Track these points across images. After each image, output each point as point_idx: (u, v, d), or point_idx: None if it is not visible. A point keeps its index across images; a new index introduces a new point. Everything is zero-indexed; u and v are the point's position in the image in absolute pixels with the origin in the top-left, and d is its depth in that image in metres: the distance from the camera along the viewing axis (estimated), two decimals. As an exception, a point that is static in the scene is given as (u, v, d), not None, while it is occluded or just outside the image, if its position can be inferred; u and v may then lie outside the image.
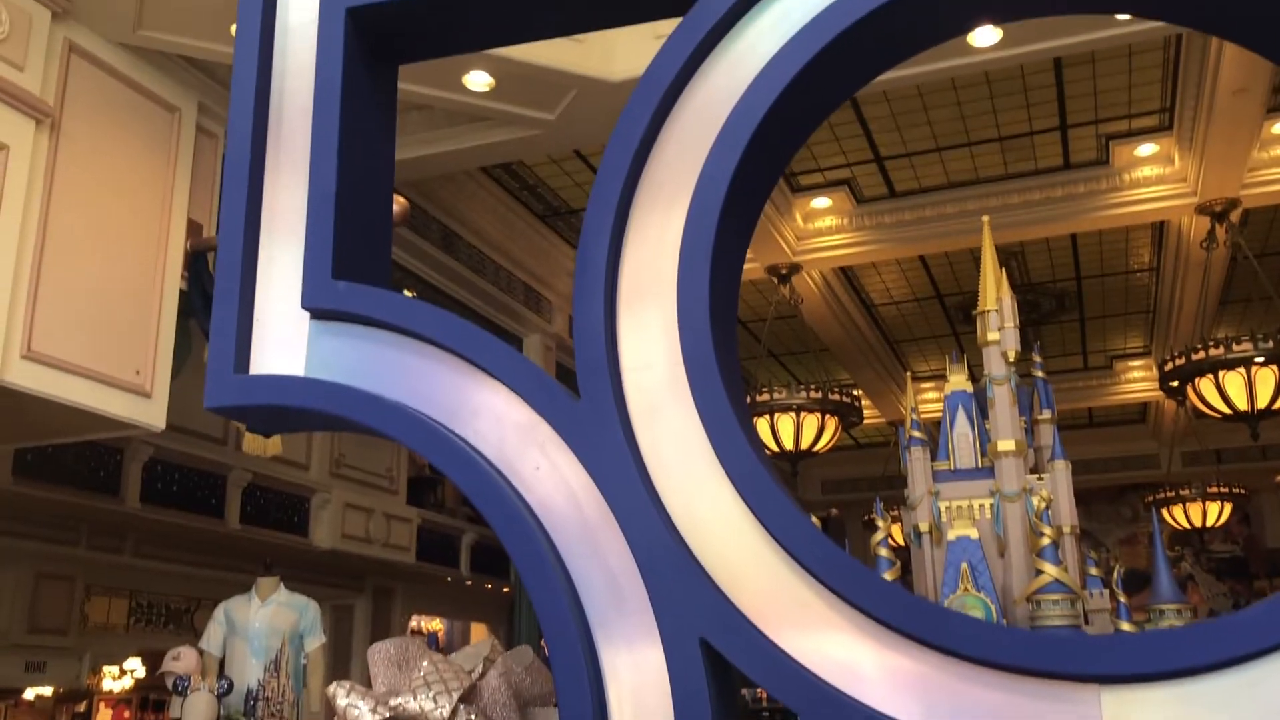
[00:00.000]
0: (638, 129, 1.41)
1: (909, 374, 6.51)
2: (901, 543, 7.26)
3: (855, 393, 11.24)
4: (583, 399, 1.34)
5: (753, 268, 10.60)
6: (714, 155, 1.38)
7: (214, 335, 1.42)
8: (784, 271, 10.62)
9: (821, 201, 10.10)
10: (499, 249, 9.90)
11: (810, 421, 10.17)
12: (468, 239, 9.48)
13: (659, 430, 1.33)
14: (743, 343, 13.46)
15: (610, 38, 6.59)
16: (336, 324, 1.44)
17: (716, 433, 1.29)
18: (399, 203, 6.08)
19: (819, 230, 10.44)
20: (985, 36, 6.42)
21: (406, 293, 9.26)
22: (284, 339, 1.44)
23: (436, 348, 1.39)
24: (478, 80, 6.60)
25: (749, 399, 10.20)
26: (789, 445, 10.23)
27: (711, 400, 1.31)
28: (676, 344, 1.34)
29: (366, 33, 1.57)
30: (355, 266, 1.49)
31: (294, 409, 1.41)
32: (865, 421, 13.76)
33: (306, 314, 1.45)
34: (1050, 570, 4.93)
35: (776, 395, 10.11)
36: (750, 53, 1.42)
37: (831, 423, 10.28)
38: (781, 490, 1.27)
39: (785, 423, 10.15)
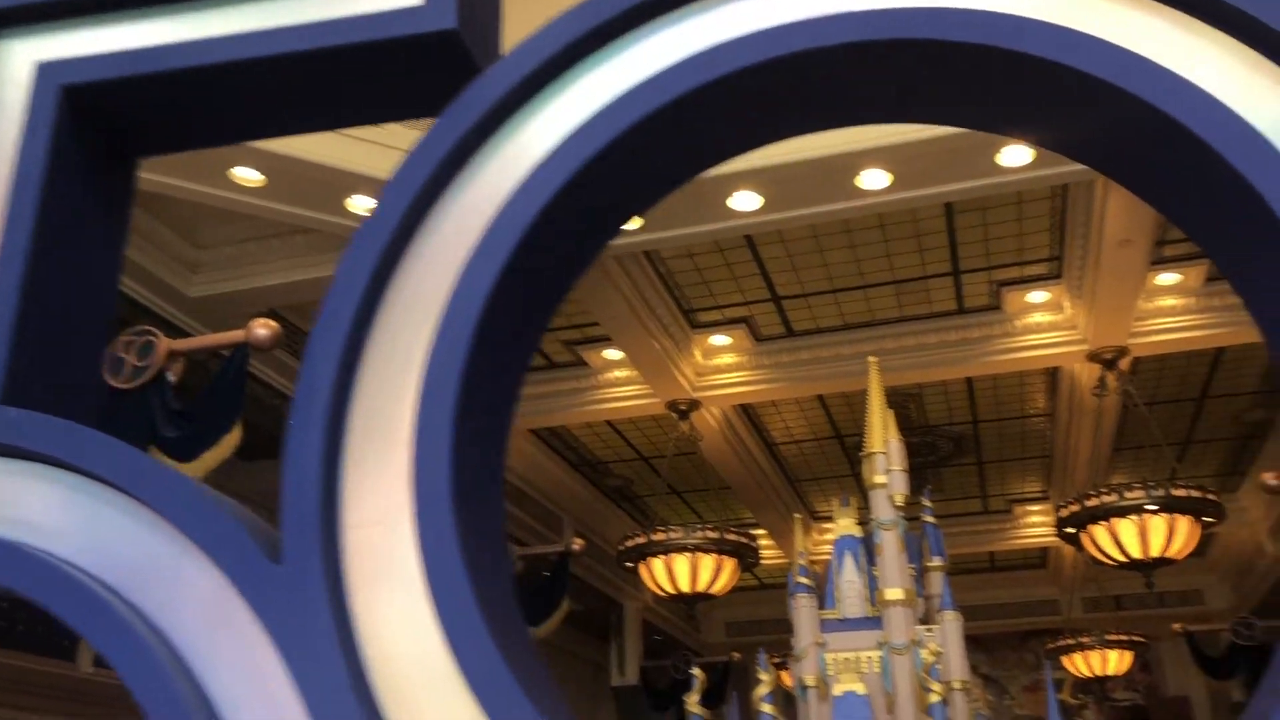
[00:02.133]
0: (377, 244, 1.18)
1: (797, 516, 6.31)
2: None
3: (755, 532, 11.01)
4: (285, 563, 1.08)
5: (653, 403, 10.45)
6: (468, 275, 1.15)
7: None
8: (683, 407, 10.47)
9: (720, 339, 10.04)
10: (389, 378, 9.60)
11: (707, 562, 9.88)
12: (355, 366, 9.18)
13: (381, 606, 1.06)
14: (644, 479, 13.22)
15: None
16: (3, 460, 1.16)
17: (450, 614, 1.03)
18: (269, 326, 5.79)
19: (718, 367, 10.35)
20: (875, 179, 6.47)
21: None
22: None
23: (120, 493, 1.12)
24: (244, 175, 6.39)
25: (644, 538, 9.91)
26: (685, 587, 9.91)
27: (448, 578, 1.05)
28: (409, 502, 1.09)
29: (90, 115, 1.33)
30: (45, 391, 1.22)
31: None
32: (767, 562, 13.53)
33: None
34: (939, 730, 4.68)
35: (672, 535, 9.82)
36: (521, 154, 1.21)
37: (729, 564, 10.00)
38: (535, 700, 1.00)
39: (681, 563, 9.84)
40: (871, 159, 6.24)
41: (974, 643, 18.73)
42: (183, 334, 7.21)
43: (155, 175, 6.41)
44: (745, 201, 6.68)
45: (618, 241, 7.18)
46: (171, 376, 5.74)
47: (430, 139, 1.20)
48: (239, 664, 1.05)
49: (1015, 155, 6.27)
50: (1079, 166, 6.45)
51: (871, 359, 5.79)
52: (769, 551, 13.91)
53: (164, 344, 5.76)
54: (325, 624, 1.03)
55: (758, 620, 17.94)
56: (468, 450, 1.13)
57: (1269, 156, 0.99)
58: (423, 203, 1.20)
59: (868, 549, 5.40)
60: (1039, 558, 16.90)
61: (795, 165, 6.31)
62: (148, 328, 5.79)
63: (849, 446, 12.57)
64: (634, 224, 6.89)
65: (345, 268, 1.18)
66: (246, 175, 6.36)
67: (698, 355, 10.22)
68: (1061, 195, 7.84)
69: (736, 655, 18.09)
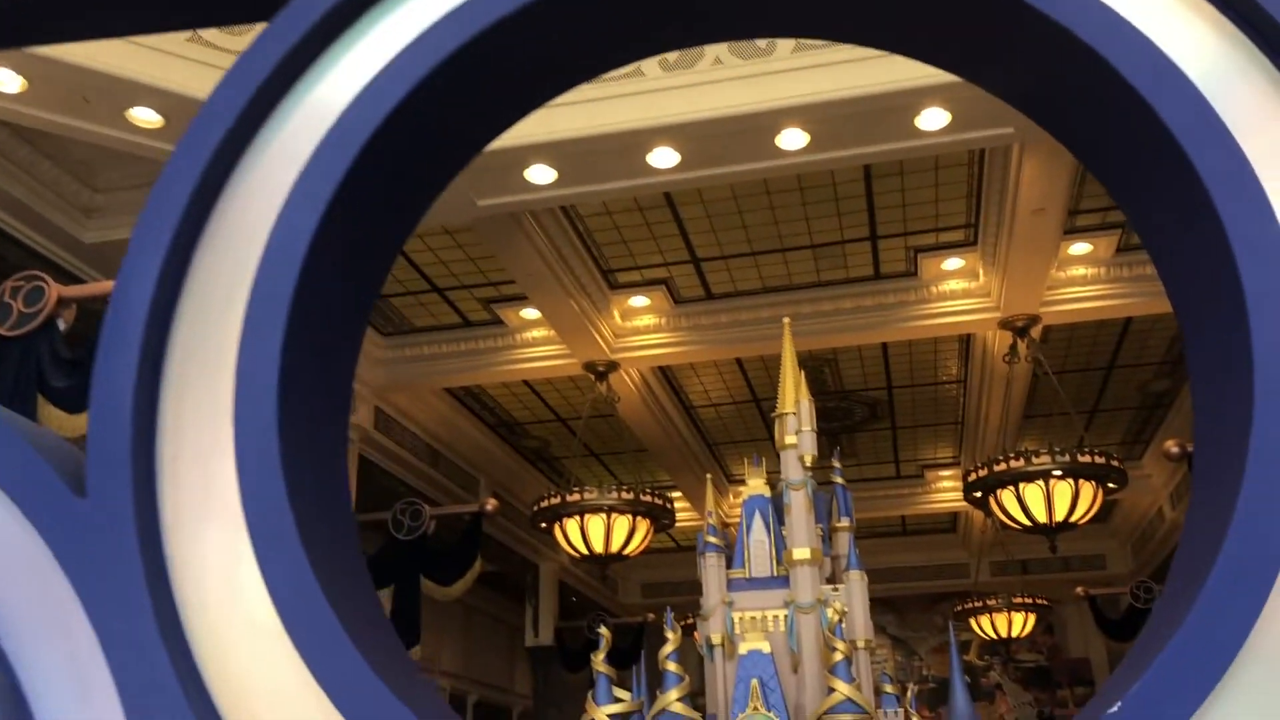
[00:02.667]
0: (211, 140, 1.06)
1: (709, 476, 6.29)
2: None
3: (672, 495, 11.02)
4: (90, 496, 0.97)
5: (571, 363, 10.37)
6: (298, 197, 1.05)
7: None
8: (601, 369, 10.40)
9: (639, 300, 9.96)
10: (299, 333, 9.35)
11: (621, 523, 9.86)
12: (263, 320, 8.92)
13: (199, 547, 0.96)
14: (561, 440, 13.15)
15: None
16: None
17: (272, 559, 0.94)
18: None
19: (637, 329, 10.29)
20: (793, 139, 6.42)
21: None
22: None
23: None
24: (142, 116, 6.15)
25: (559, 499, 9.85)
26: (599, 548, 9.89)
27: (270, 520, 0.95)
28: (230, 435, 0.98)
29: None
30: None
31: None
32: (684, 524, 13.58)
33: None
34: (842, 688, 4.70)
35: (587, 496, 9.78)
36: (357, 69, 1.10)
37: (643, 525, 10.00)
38: (367, 654, 0.91)
39: (595, 524, 9.81)
40: (790, 118, 6.19)
41: (885, 605, 19.13)
42: (77, 281, 6.92)
43: (50, 114, 6.12)
44: (664, 158, 6.59)
45: (533, 196, 7.06)
46: (62, 324, 5.51)
47: (253, 54, 1.08)
48: (35, 610, 0.95)
49: (933, 119, 6.27)
50: (996, 131, 6.49)
51: (785, 319, 5.75)
52: (686, 514, 13.96)
53: (54, 290, 5.52)
54: (132, 565, 0.93)
55: (673, 582, 18.04)
56: (299, 386, 1.02)
57: (1199, 110, 0.92)
58: (254, 116, 1.09)
59: (777, 509, 5.39)
60: (949, 522, 17.24)
61: (714, 122, 6.24)
62: (36, 273, 5.55)
63: (766, 411, 12.63)
64: (549, 177, 6.77)
65: (167, 178, 1.07)
66: (145, 116, 6.10)
67: (616, 316, 10.14)
68: (978, 162, 7.89)
69: (651, 616, 18.21)
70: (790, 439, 5.36)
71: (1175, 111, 0.93)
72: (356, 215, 1.08)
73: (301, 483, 0.99)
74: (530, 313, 9.94)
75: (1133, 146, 0.99)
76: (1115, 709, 0.76)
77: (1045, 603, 15.20)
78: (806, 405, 5.41)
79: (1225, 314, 0.90)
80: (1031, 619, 15.14)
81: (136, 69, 5.74)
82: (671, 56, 6.25)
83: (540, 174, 6.69)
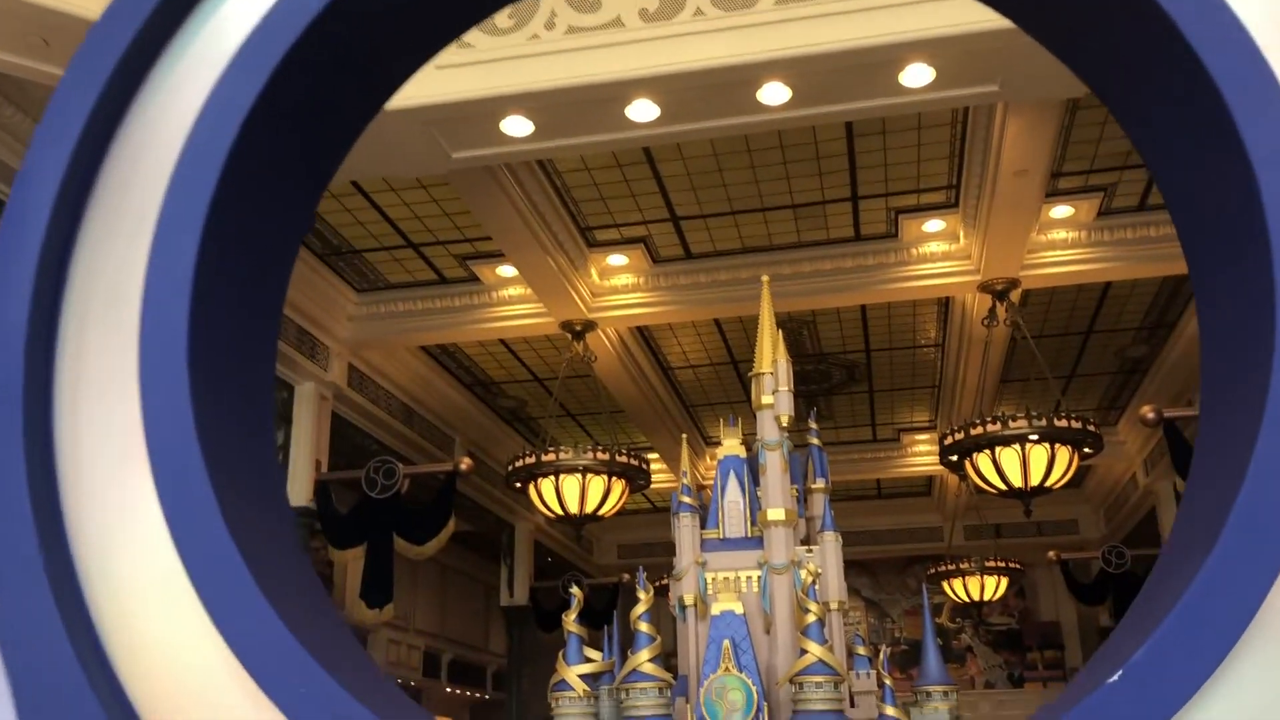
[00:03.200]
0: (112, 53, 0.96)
1: (684, 436, 6.21)
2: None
3: (649, 456, 10.96)
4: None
5: (547, 322, 10.25)
6: (210, 113, 0.95)
7: None
8: (578, 328, 10.29)
9: (618, 259, 9.85)
10: (270, 287, 9.18)
11: (596, 484, 9.80)
12: (233, 274, 8.73)
13: (98, 480, 0.86)
14: (538, 400, 13.06)
15: (386, 64, 6.14)
16: None
17: (176, 498, 0.84)
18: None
19: (615, 288, 10.18)
20: (775, 94, 6.29)
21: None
22: None
23: None
24: None
25: (533, 459, 9.77)
26: (574, 508, 9.83)
27: (174, 454, 0.85)
28: (135, 364, 0.88)
29: None
30: None
31: None
32: (660, 485, 13.54)
33: None
34: (814, 650, 4.65)
35: (562, 455, 9.70)
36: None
37: (618, 485, 9.94)
38: (274, 600, 0.82)
39: (570, 485, 9.75)
40: (772, 72, 6.06)
41: (859, 567, 19.23)
42: None
43: (7, 55, 5.91)
44: (643, 111, 6.45)
45: (510, 149, 6.91)
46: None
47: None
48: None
49: (917, 75, 6.15)
50: (980, 89, 6.38)
51: (764, 278, 5.66)
52: (662, 475, 13.92)
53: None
54: (19, 499, 0.83)
55: (649, 543, 18.06)
56: (214, 316, 0.92)
57: (1217, 15, 0.82)
58: (161, 28, 0.98)
59: (752, 470, 5.33)
60: (924, 486, 17.30)
61: (694, 75, 6.10)
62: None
63: (744, 373, 12.55)
64: (526, 129, 6.62)
65: (63, 94, 0.96)
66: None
67: (594, 275, 10.02)
68: (961, 121, 7.79)
69: (627, 577, 18.25)
70: (767, 399, 5.29)
71: (1191, 18, 0.83)
72: (276, 131, 0.98)
73: (214, 420, 0.89)
74: (507, 270, 9.81)
75: (1144, 58, 0.89)
76: (1116, 677, 0.68)
77: (1017, 566, 15.29)
78: (784, 365, 5.33)
79: (1243, 244, 0.81)
80: (1004, 582, 15.23)
81: (98, 8, 5.55)
82: (651, 6, 6.10)
83: (517, 126, 6.55)
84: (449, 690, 17.04)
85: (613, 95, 6.30)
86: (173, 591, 0.86)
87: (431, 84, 6.19)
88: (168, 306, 0.90)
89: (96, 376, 0.89)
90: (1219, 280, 0.89)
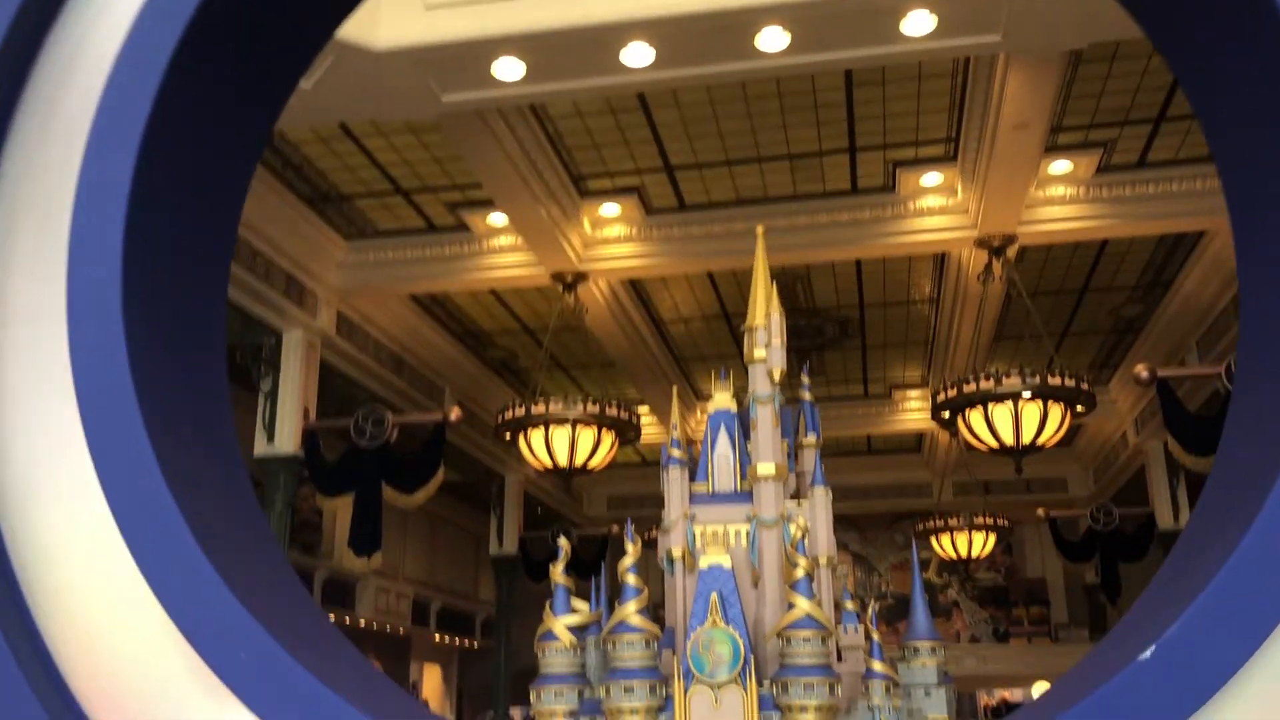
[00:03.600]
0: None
1: (674, 388, 6.14)
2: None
3: (639, 409, 10.89)
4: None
5: (538, 273, 10.13)
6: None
7: None
8: (569, 279, 10.18)
9: (610, 209, 9.71)
10: (257, 232, 9.04)
11: (586, 436, 9.75)
12: (219, 218, 8.56)
13: (23, 418, 0.78)
14: (529, 351, 12.97)
15: (374, 2, 5.99)
16: None
17: (102, 438, 0.75)
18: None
19: (607, 239, 10.05)
20: (774, 40, 6.15)
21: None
22: None
23: None
24: None
25: (523, 410, 9.70)
26: (563, 460, 9.78)
27: (103, 392, 0.77)
28: (63, 297, 0.80)
29: None
30: None
31: None
32: (651, 439, 13.50)
33: None
34: (802, 604, 4.61)
35: (552, 407, 9.63)
36: None
37: (608, 438, 9.88)
38: (220, 566, 0.73)
39: (560, 436, 9.69)
40: (771, 16, 5.91)
41: (848, 523, 19.29)
42: None
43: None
44: (638, 55, 6.30)
45: (501, 93, 6.76)
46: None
47: None
48: None
49: (919, 22, 6.01)
50: (982, 38, 6.24)
51: (759, 227, 5.55)
52: (653, 429, 13.88)
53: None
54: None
55: (640, 496, 18.07)
56: (153, 234, 0.83)
57: None
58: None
59: (743, 424, 5.25)
60: (914, 442, 17.29)
61: (691, 18, 5.95)
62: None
63: (737, 327, 12.48)
64: (518, 72, 6.47)
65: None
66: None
67: (586, 225, 9.89)
68: (962, 72, 7.64)
69: (616, 529, 18.30)
70: (759, 352, 5.19)
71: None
72: (221, 41, 0.88)
73: (153, 357, 0.80)
74: (498, 219, 9.68)
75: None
76: (1148, 654, 0.60)
77: (1005, 523, 15.34)
78: (777, 318, 5.22)
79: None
80: (991, 539, 15.29)
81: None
82: (648, -53, 5.93)
83: (508, 68, 6.40)
84: (438, 638, 17.11)
85: (607, 37, 6.15)
86: (102, 545, 0.78)
87: (421, 24, 6.03)
88: (101, 220, 0.81)
89: (22, 305, 0.81)
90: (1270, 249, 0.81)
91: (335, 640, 0.94)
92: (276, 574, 0.88)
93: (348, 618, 14.03)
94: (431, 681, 18.09)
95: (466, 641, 17.98)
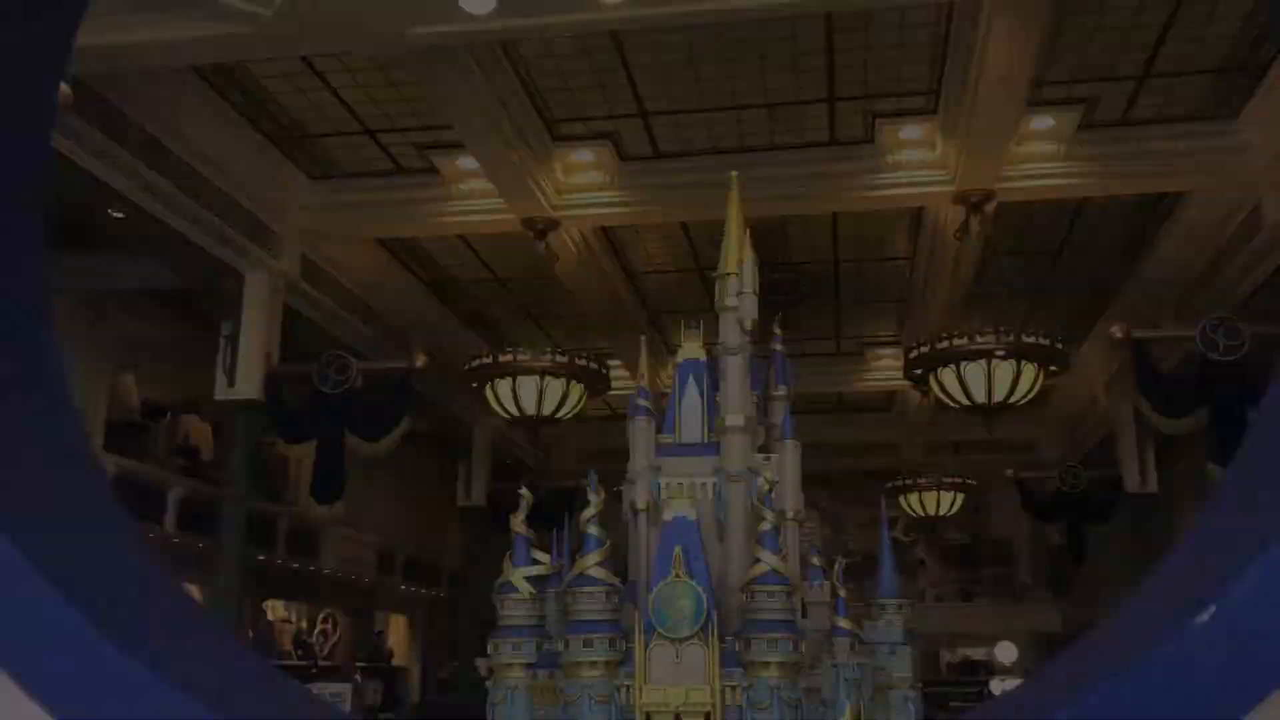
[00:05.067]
0: None
1: (643, 337, 5.98)
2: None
3: (610, 362, 10.73)
4: None
5: (508, 219, 9.90)
6: None
7: None
8: (541, 226, 9.95)
9: (584, 155, 9.49)
10: (218, 168, 8.76)
11: (554, 386, 9.62)
12: (177, 153, 8.29)
13: None
14: (500, 300, 12.77)
15: (338, -73, 5.73)
16: None
17: None
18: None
19: (580, 186, 9.83)
20: (753, -21, 5.93)
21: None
22: None
23: None
24: None
25: (492, 357, 9.53)
26: (530, 410, 9.64)
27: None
28: None
29: None
30: None
31: None
32: (622, 391, 13.34)
33: None
34: (768, 559, 4.49)
35: (520, 356, 9.48)
36: None
37: (576, 389, 9.76)
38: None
39: (528, 386, 9.55)
40: (750, -47, 5.70)
41: (817, 480, 19.23)
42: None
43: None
44: (612, -9, 6.08)
45: (470, 28, 6.52)
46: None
47: None
48: None
49: (903, -35, 5.81)
50: (968, -17, 6.04)
51: (734, 174, 5.37)
52: (624, 382, 13.72)
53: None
54: None
55: (610, 449, 17.88)
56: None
57: None
58: None
59: (712, 375, 5.10)
60: (885, 401, 17.24)
61: (668, -47, 5.73)
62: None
63: (710, 282, 12.28)
64: (487, 5, 6.23)
65: None
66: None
67: (558, 172, 9.66)
68: (945, 20, 7.45)
69: (584, 482, 18.08)
70: (730, 301, 5.04)
71: None
72: None
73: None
74: (467, 162, 9.42)
75: None
76: (1208, 615, 0.46)
77: (974, 483, 15.37)
78: (750, 267, 5.06)
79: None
80: (960, 498, 15.33)
81: None
82: (625, -124, 5.69)
83: (477, 1, 6.15)
84: (404, 588, 17.02)
85: (581, -28, 5.93)
86: None
87: (387, -49, 5.78)
88: None
89: None
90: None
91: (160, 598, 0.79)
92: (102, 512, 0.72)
93: (312, 566, 13.87)
94: (398, 631, 18.02)
95: (434, 591, 17.89)
